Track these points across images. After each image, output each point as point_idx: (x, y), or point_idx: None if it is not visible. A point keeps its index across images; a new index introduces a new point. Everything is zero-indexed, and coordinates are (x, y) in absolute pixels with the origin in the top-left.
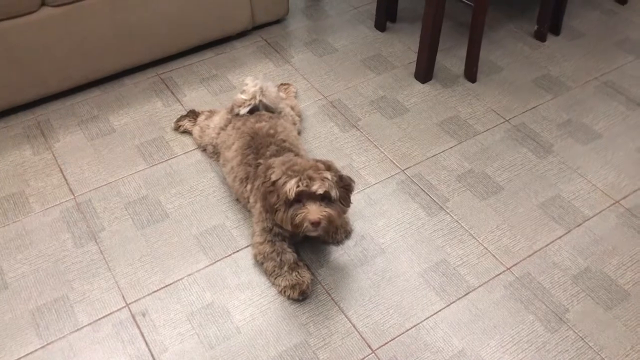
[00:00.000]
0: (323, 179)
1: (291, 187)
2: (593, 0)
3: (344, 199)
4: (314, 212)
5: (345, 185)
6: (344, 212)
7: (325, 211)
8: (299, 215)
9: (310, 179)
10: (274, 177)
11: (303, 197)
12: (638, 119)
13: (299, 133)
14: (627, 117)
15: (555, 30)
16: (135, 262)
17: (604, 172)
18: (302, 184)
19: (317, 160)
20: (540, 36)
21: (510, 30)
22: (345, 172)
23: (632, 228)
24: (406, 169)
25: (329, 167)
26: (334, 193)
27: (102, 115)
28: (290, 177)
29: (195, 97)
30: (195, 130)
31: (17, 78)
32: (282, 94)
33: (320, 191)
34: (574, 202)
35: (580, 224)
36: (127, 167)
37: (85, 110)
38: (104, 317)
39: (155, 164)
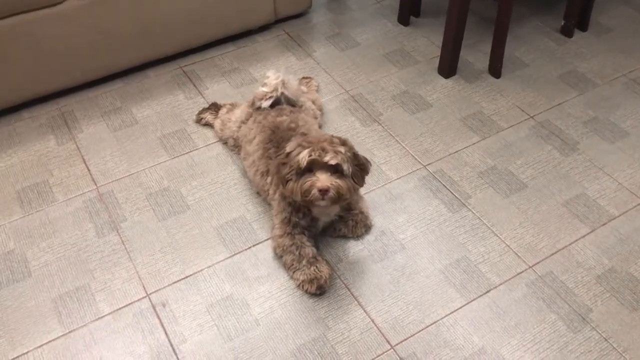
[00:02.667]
0: (336, 152)
1: (303, 156)
2: None
3: (357, 177)
4: (323, 179)
5: (360, 164)
6: (356, 189)
7: (335, 181)
8: (307, 183)
9: (324, 150)
10: (288, 149)
11: (315, 167)
12: None
13: (320, 127)
14: None
15: (583, 25)
16: (156, 253)
17: (631, 171)
18: (315, 154)
19: (333, 135)
20: (566, 32)
21: (536, 25)
22: None
23: None
24: (428, 164)
25: (344, 142)
26: (346, 167)
27: (125, 106)
28: (304, 148)
29: (217, 90)
30: (217, 123)
31: (42, 69)
32: (303, 88)
33: (332, 162)
34: (599, 200)
35: (606, 223)
36: (149, 158)
37: (108, 101)
38: (124, 306)
39: (177, 156)
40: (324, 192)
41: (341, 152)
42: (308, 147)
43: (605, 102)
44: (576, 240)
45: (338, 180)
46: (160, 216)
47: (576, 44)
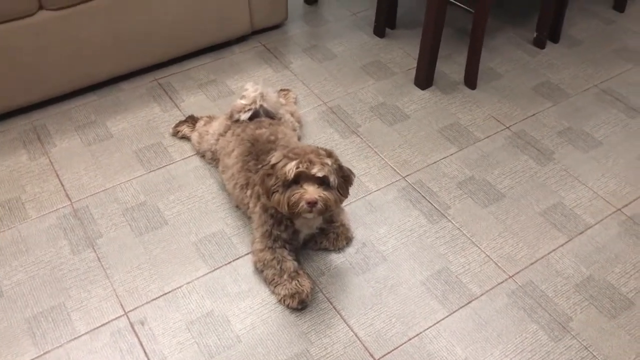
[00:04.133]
0: (323, 163)
1: (291, 168)
2: (591, 8)
3: (342, 189)
4: (311, 192)
5: (345, 176)
6: (341, 201)
7: (322, 193)
8: (295, 195)
9: (310, 162)
10: (273, 160)
11: (301, 179)
12: (638, 127)
13: (299, 139)
14: (627, 124)
15: (554, 37)
16: (133, 270)
17: (605, 180)
18: (302, 166)
19: (319, 147)
20: (539, 43)
21: (509, 37)
22: None
23: (635, 236)
24: (407, 175)
25: (329, 154)
26: (333, 179)
27: (99, 120)
28: (291, 159)
29: (193, 102)
30: (194, 136)
31: (14, 82)
32: (282, 100)
33: (320, 174)
34: (575, 209)
35: (583, 232)
36: (125, 173)
37: (82, 115)
38: (101, 325)
39: (154, 170)
40: (312, 204)
41: (328, 164)
42: (295, 159)
43: (578, 112)
44: (554, 250)
45: (325, 192)
46: (137, 232)
47: (548, 55)
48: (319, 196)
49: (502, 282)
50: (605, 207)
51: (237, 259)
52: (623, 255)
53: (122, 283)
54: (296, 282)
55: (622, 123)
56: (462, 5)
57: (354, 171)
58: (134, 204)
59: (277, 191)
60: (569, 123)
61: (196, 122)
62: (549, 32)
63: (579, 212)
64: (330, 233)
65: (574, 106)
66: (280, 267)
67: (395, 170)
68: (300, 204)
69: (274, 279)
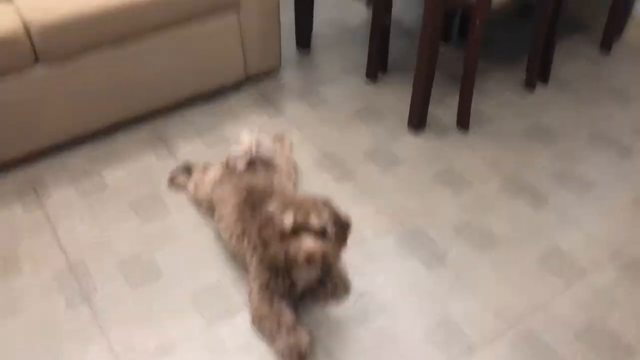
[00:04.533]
0: (320, 214)
1: (288, 220)
2: (579, 49)
3: (340, 239)
4: (309, 244)
5: (342, 225)
6: (340, 251)
7: (321, 244)
8: (293, 247)
9: (308, 213)
10: (270, 211)
11: (299, 230)
12: (629, 168)
13: (295, 186)
14: (619, 166)
15: (544, 78)
16: (129, 325)
17: (600, 223)
18: (300, 217)
19: (316, 196)
20: (529, 85)
21: (500, 79)
22: None
23: (632, 281)
24: (403, 221)
25: (326, 203)
26: (331, 229)
27: (94, 170)
28: (288, 211)
29: (189, 150)
30: (190, 185)
31: (9, 134)
32: (277, 147)
33: (318, 225)
34: (572, 254)
35: (581, 278)
36: (120, 223)
37: (77, 165)
38: None
39: (150, 221)
40: (310, 256)
41: (325, 215)
42: (293, 210)
43: (570, 154)
44: (553, 296)
45: (324, 243)
46: (133, 284)
47: (539, 97)
48: (318, 248)
49: (502, 332)
50: (601, 252)
51: (235, 311)
52: (621, 300)
53: (118, 339)
54: (294, 335)
55: (614, 165)
56: (452, 52)
57: (350, 218)
58: (129, 255)
59: (275, 243)
60: (562, 165)
61: (192, 170)
62: (538, 74)
63: (576, 257)
64: (328, 284)
65: (566, 148)
66: (278, 321)
67: (391, 216)
68: (299, 257)
69: (272, 333)
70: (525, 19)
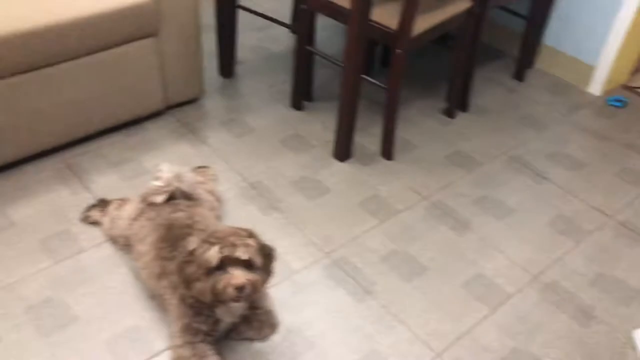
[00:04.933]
0: (246, 245)
1: (213, 254)
2: (495, 78)
3: (266, 268)
4: (237, 276)
5: (267, 254)
6: (267, 280)
7: (249, 276)
8: (221, 282)
9: (233, 245)
10: (191, 247)
11: (225, 264)
12: (545, 193)
13: (219, 219)
14: (535, 190)
15: (463, 107)
16: None
17: (520, 247)
18: (226, 250)
19: (238, 228)
20: (449, 113)
21: (422, 108)
22: None
23: (552, 304)
24: (331, 252)
25: (250, 234)
26: (257, 260)
27: None
28: (211, 244)
29: (105, 183)
30: (105, 221)
31: None
32: (199, 178)
33: (245, 257)
34: (495, 279)
35: (504, 302)
36: (28, 265)
37: None
38: None
39: (61, 260)
40: (240, 289)
41: (251, 245)
42: (216, 244)
43: (490, 180)
44: (479, 322)
45: (251, 274)
46: (42, 332)
47: (459, 124)
48: (247, 279)
49: None
50: (523, 275)
51: (154, 356)
52: (543, 324)
53: None
54: None
55: (531, 189)
56: (375, 82)
57: (277, 249)
58: (39, 300)
59: (199, 279)
60: (483, 191)
61: (107, 205)
62: (458, 102)
63: (499, 282)
64: (254, 321)
65: (486, 174)
66: None
67: (318, 247)
68: (228, 291)
69: None
70: (446, 48)
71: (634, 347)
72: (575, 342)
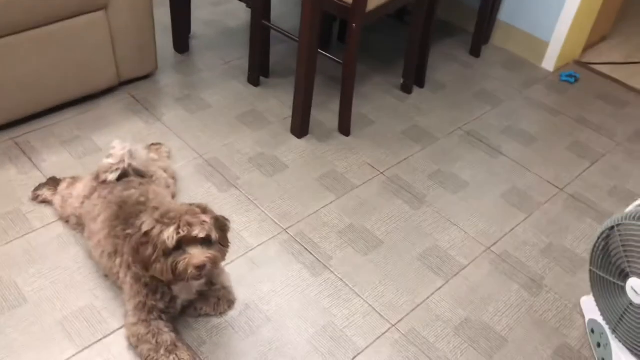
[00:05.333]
0: (202, 222)
1: (170, 235)
2: (451, 53)
3: (223, 240)
4: (197, 255)
5: (222, 226)
6: (225, 253)
7: (208, 253)
8: (181, 262)
9: (189, 224)
10: (145, 228)
11: (183, 243)
12: (499, 166)
13: (174, 196)
14: (490, 164)
15: (420, 82)
16: None
17: (474, 220)
18: (183, 231)
19: (191, 204)
20: (406, 89)
21: (378, 83)
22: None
23: (504, 274)
24: (288, 227)
25: (204, 209)
26: (214, 235)
27: None
28: (167, 225)
29: (55, 162)
30: (56, 200)
31: None
32: (153, 155)
33: (202, 235)
34: (449, 251)
35: (457, 273)
36: None
37: None
38: None
39: (10, 241)
40: (201, 268)
41: (207, 222)
42: (172, 224)
43: (446, 155)
44: (433, 293)
45: (210, 251)
46: None
47: (415, 100)
48: (207, 257)
49: (385, 332)
50: (476, 247)
51: (109, 335)
52: (495, 293)
53: None
54: (174, 356)
55: (485, 163)
56: (331, 57)
57: (234, 226)
58: None
59: (157, 261)
60: (438, 166)
61: (58, 184)
62: (414, 78)
63: (453, 254)
64: (210, 297)
65: (441, 149)
66: (157, 341)
67: (276, 222)
68: (189, 270)
69: (150, 355)
70: (403, 24)
71: (581, 314)
72: (525, 310)
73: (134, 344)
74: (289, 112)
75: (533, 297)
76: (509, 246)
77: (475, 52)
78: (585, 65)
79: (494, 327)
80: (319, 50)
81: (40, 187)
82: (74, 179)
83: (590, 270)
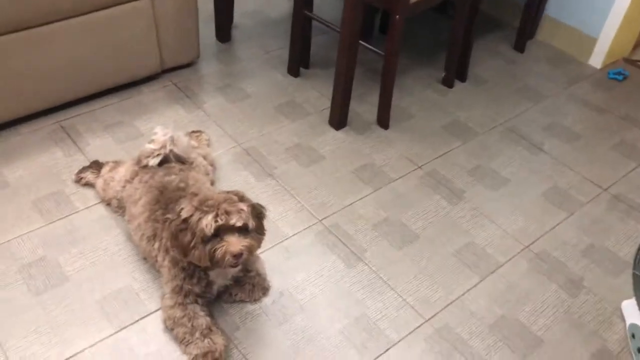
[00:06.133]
0: (239, 211)
1: (208, 223)
2: (495, 48)
3: (259, 228)
4: (234, 244)
5: (258, 214)
6: (261, 241)
7: (245, 242)
8: (218, 250)
9: (227, 212)
10: (184, 215)
11: (220, 231)
12: (540, 164)
13: (213, 184)
14: (530, 161)
15: (462, 76)
16: (29, 335)
17: (513, 218)
18: (221, 219)
19: (228, 192)
20: (447, 83)
21: (419, 76)
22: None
23: (542, 273)
24: (323, 219)
25: (242, 197)
26: (251, 223)
27: None
28: (206, 213)
29: (99, 146)
30: (99, 183)
31: None
32: (193, 142)
33: (239, 223)
34: (487, 248)
35: (494, 271)
36: (21, 225)
37: None
38: None
39: (54, 221)
40: (238, 256)
41: (244, 210)
42: (210, 212)
43: (485, 150)
44: (468, 290)
45: (247, 240)
46: (34, 291)
47: (457, 94)
48: (243, 245)
49: (419, 327)
50: (514, 245)
51: (146, 316)
52: (532, 293)
53: (17, 350)
54: (209, 340)
55: (525, 160)
56: (372, 48)
57: (270, 215)
58: (31, 259)
59: (197, 247)
60: (478, 161)
61: (101, 167)
62: (456, 72)
63: (490, 251)
64: (245, 284)
65: (482, 144)
66: (192, 325)
67: (311, 213)
68: (226, 258)
69: (185, 338)
70: (446, 17)
71: (621, 318)
72: (563, 311)
73: (170, 327)
74: (327, 104)
75: (572, 298)
76: (548, 245)
77: (520, 47)
78: (634, 62)
79: (530, 326)
80: (360, 41)
81: (83, 169)
82: (116, 163)
83: (634, 274)
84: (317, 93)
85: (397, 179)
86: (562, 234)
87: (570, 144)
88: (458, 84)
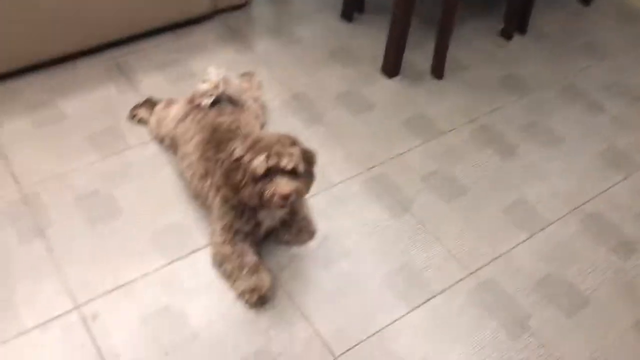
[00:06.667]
0: (290, 154)
1: (260, 164)
2: (558, 0)
3: (308, 173)
4: (283, 185)
5: (309, 159)
6: (310, 186)
7: (294, 184)
8: (268, 190)
9: (279, 154)
10: (237, 154)
11: (271, 172)
12: (598, 124)
13: (262, 127)
14: (588, 121)
15: (522, 29)
16: (85, 261)
17: (566, 177)
18: (272, 160)
19: (281, 134)
20: (506, 35)
21: (477, 27)
22: None
23: (592, 234)
24: (371, 167)
25: (293, 141)
26: (301, 167)
27: (50, 101)
28: (258, 153)
29: (152, 83)
30: (152, 121)
31: None
32: (245, 85)
33: (290, 166)
34: (536, 206)
35: (543, 229)
36: (78, 157)
37: (32, 95)
38: (52, 319)
39: (109, 156)
40: (286, 198)
41: (295, 154)
42: (262, 152)
43: (542, 107)
44: (515, 246)
45: (296, 183)
46: (90, 221)
47: (515, 47)
48: (292, 188)
49: (463, 279)
50: (565, 205)
51: (196, 251)
52: (581, 253)
53: (73, 275)
54: (256, 277)
55: (583, 119)
56: None
57: (318, 160)
58: (87, 191)
59: (246, 186)
60: (533, 117)
61: (155, 105)
62: (516, 24)
63: (540, 209)
64: (292, 226)
65: (538, 101)
66: (240, 261)
67: (359, 162)
68: (274, 199)
69: (233, 273)
70: None
71: None
72: (612, 273)
73: (219, 262)
74: (380, 51)
75: (622, 261)
76: (601, 207)
77: (585, 0)
78: None
79: (577, 286)
80: None
81: (137, 106)
82: (170, 101)
83: None
84: (370, 39)
85: (448, 131)
86: (617, 196)
87: (634, 105)
88: (517, 37)
